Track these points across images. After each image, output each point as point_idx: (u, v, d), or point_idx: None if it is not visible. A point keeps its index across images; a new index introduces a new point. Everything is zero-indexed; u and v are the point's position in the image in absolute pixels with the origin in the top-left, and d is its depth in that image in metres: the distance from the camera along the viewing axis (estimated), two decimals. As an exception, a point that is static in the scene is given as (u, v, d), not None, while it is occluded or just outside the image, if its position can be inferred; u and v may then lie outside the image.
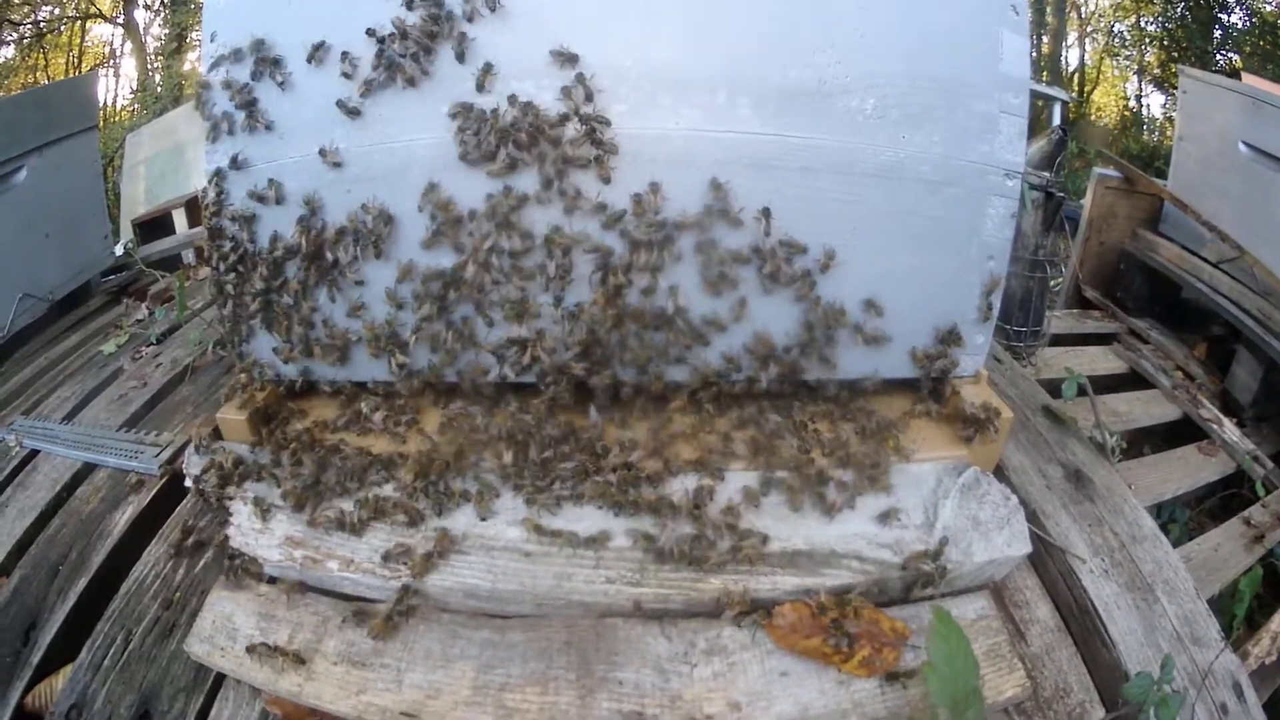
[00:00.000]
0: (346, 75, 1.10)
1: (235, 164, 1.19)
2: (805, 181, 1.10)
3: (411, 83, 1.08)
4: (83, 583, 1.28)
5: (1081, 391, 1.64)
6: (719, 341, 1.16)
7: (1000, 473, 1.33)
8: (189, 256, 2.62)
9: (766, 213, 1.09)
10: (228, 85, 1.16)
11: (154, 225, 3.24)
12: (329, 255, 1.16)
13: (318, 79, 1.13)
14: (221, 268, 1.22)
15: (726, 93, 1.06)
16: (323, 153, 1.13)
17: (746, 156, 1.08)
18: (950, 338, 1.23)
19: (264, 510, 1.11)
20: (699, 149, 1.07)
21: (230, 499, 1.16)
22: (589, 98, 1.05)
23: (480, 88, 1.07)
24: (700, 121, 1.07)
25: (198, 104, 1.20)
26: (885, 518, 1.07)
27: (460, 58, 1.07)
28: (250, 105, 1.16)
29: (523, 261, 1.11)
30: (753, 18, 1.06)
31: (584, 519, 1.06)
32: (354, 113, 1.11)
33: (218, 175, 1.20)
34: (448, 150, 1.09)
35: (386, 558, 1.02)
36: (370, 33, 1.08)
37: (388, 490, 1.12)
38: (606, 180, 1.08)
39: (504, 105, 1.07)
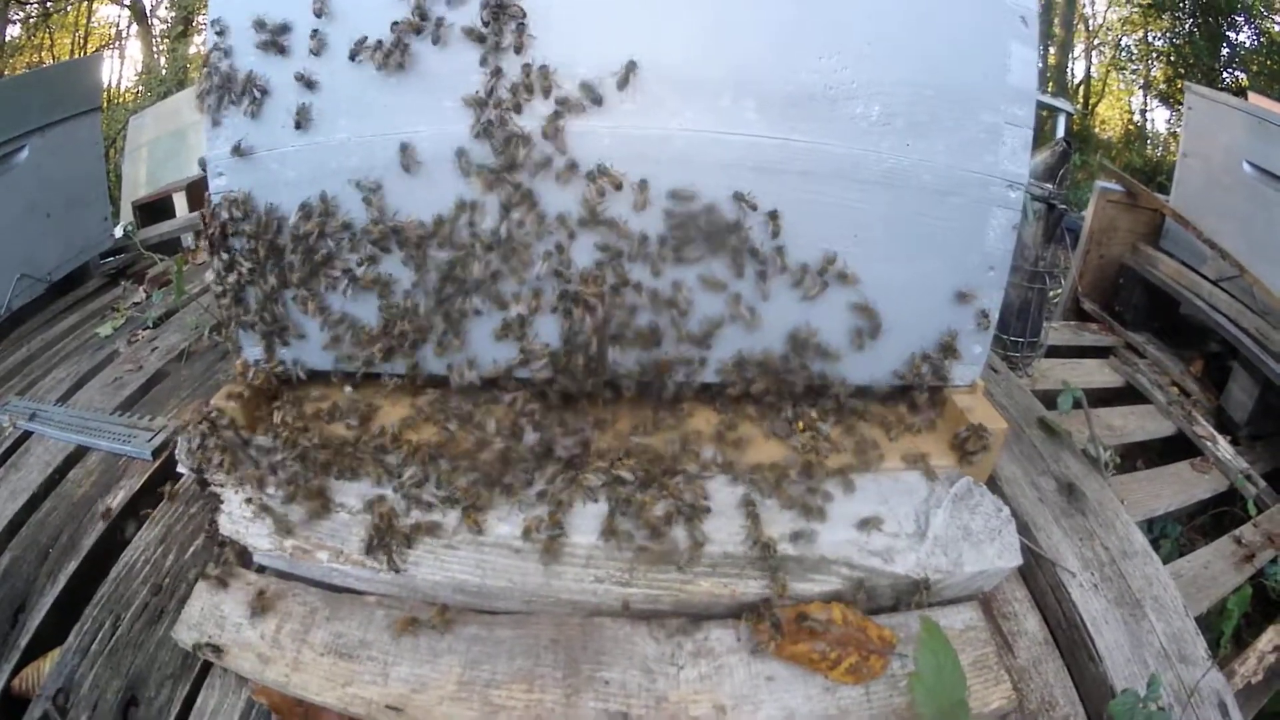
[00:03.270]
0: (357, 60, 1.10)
1: (237, 151, 1.18)
2: (809, 186, 1.10)
3: (401, 68, 1.08)
4: (73, 566, 1.27)
5: (1077, 405, 1.64)
6: (714, 342, 1.16)
7: (993, 483, 1.33)
8: (188, 240, 2.61)
9: (774, 215, 1.10)
10: (231, 71, 1.16)
11: (154, 208, 3.23)
12: (327, 245, 1.16)
13: (323, 66, 1.12)
14: (220, 255, 1.21)
15: (732, 95, 1.06)
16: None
17: (751, 159, 1.08)
18: (947, 347, 1.23)
19: (255, 498, 1.11)
20: (703, 151, 1.07)
21: (221, 486, 1.16)
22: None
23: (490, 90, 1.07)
24: (705, 123, 1.07)
25: (200, 92, 1.19)
26: (874, 524, 1.07)
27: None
28: (253, 92, 1.15)
29: (521, 256, 1.11)
30: (761, 22, 1.06)
31: (573, 518, 1.05)
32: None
33: (218, 162, 1.19)
34: (449, 141, 1.09)
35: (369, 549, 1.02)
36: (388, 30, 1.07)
37: (379, 484, 1.12)
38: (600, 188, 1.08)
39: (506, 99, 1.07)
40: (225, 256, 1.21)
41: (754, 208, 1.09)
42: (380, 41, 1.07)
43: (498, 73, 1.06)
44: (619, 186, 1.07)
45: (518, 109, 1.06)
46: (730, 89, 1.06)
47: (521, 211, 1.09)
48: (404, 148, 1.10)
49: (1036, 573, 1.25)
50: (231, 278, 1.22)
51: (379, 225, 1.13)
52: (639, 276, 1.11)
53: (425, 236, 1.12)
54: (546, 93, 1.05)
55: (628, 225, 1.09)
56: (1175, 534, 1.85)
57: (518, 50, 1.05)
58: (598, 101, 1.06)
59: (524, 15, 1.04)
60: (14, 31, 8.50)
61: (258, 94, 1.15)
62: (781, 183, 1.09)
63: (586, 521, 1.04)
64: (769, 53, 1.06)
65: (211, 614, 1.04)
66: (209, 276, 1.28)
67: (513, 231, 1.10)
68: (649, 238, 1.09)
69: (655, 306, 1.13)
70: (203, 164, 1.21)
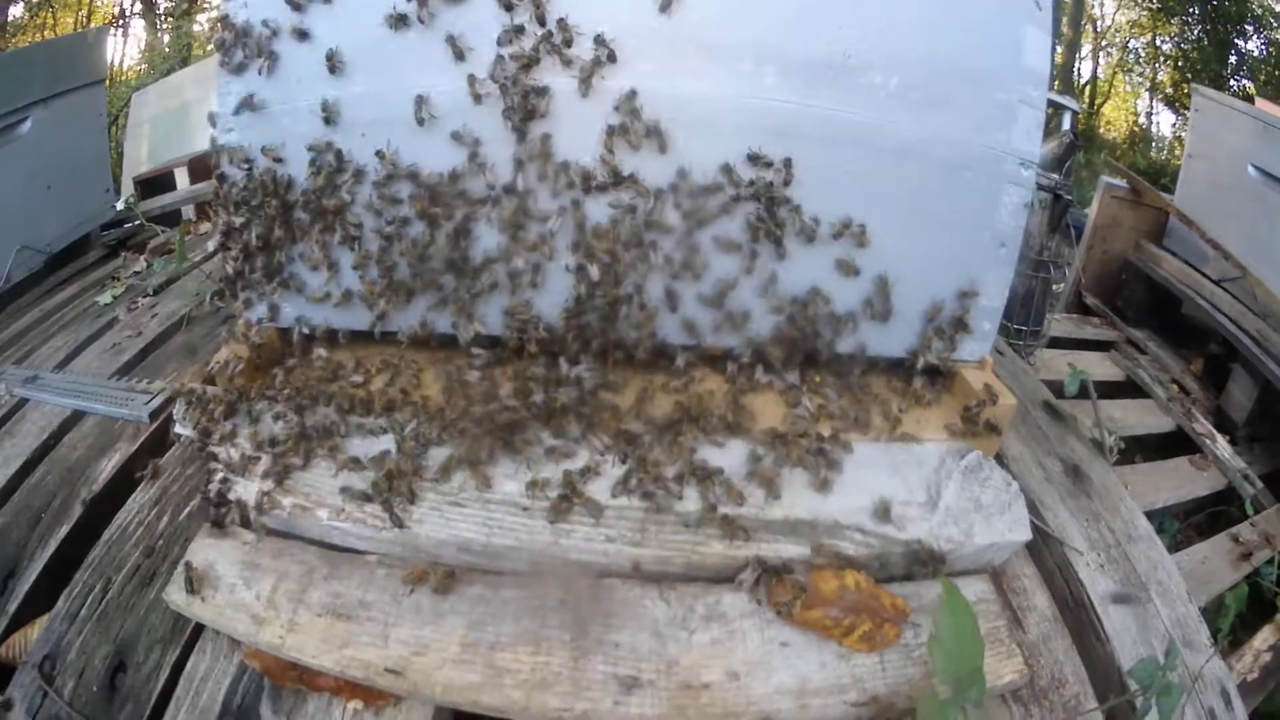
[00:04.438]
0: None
1: (250, 105, 1.16)
2: (826, 152, 1.10)
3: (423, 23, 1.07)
4: (64, 530, 1.24)
5: (1083, 389, 1.64)
6: (728, 306, 1.16)
7: (1000, 462, 1.32)
8: (189, 213, 2.58)
9: (788, 163, 1.09)
10: (247, 25, 1.14)
11: (155, 184, 3.20)
12: (339, 198, 1.14)
13: (338, 20, 1.11)
14: (229, 210, 1.20)
15: (753, 59, 1.06)
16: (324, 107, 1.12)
17: (769, 124, 1.08)
18: (958, 321, 1.22)
19: (254, 457, 1.08)
20: (723, 114, 1.07)
21: (220, 445, 1.13)
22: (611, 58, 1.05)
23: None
24: (725, 86, 1.06)
25: (215, 44, 1.18)
26: (885, 504, 1.05)
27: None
28: (268, 46, 1.14)
29: (535, 211, 1.10)
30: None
31: (584, 477, 1.03)
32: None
33: (230, 117, 1.18)
34: (466, 96, 1.08)
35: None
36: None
37: (383, 441, 1.10)
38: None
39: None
40: (233, 210, 1.20)
41: (770, 164, 1.09)
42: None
43: (519, 27, 1.05)
44: (648, 134, 1.05)
45: (536, 62, 1.06)
46: (751, 52, 1.06)
47: (537, 165, 1.07)
48: (420, 101, 1.08)
49: (1044, 551, 1.25)
50: (238, 233, 1.21)
51: (393, 177, 1.12)
52: (654, 235, 1.10)
53: (439, 189, 1.11)
54: (568, 45, 1.04)
55: (644, 183, 1.08)
56: (1173, 530, 1.85)
57: (538, 5, 1.05)
58: (613, 58, 1.05)
59: None
60: (17, 11, 8.45)
61: (273, 47, 1.13)
62: (800, 148, 1.09)
63: (598, 480, 1.02)
64: (791, 17, 1.06)
65: (205, 573, 1.01)
66: (213, 238, 1.26)
67: (528, 185, 1.08)
68: (665, 192, 1.08)
69: (670, 267, 1.12)
70: (212, 118, 1.19)
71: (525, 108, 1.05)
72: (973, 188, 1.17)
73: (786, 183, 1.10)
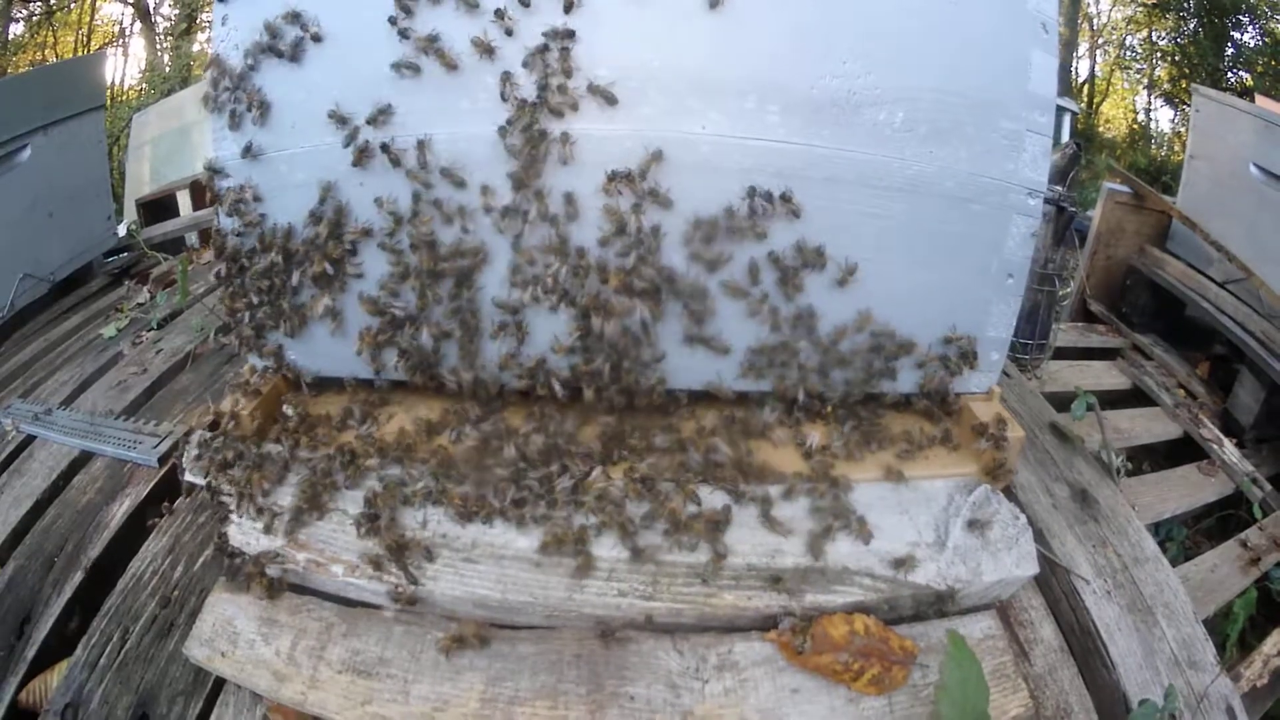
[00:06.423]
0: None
1: (246, 153, 1.16)
2: (831, 193, 1.09)
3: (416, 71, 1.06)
4: (78, 577, 1.25)
5: (1090, 409, 1.63)
6: (734, 349, 1.15)
7: (1008, 490, 1.32)
8: (192, 239, 2.57)
9: (785, 197, 1.08)
10: (239, 73, 1.13)
11: (158, 206, 3.20)
12: (341, 250, 1.14)
13: (333, 67, 1.10)
14: (229, 259, 1.19)
15: (756, 99, 1.05)
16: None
17: (773, 165, 1.07)
18: (966, 355, 1.22)
19: (264, 508, 1.09)
20: (726, 156, 1.06)
21: (230, 495, 1.14)
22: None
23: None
24: (728, 127, 1.05)
25: (206, 93, 1.17)
26: (899, 558, 1.04)
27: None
28: (262, 94, 1.13)
29: (537, 257, 1.10)
30: (786, 24, 1.04)
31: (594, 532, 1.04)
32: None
33: (226, 164, 1.17)
34: (465, 143, 1.07)
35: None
36: (393, 20, 1.05)
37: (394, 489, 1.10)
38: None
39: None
40: (234, 262, 1.19)
41: (769, 200, 1.08)
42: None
43: (528, 66, 1.04)
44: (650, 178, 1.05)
45: (548, 97, 1.05)
46: (754, 92, 1.04)
47: (538, 212, 1.07)
48: (420, 144, 1.07)
49: (1051, 580, 1.25)
50: (240, 283, 1.20)
51: (397, 227, 1.11)
52: (658, 282, 1.09)
53: (439, 240, 1.10)
54: (565, 90, 1.04)
55: (647, 228, 1.07)
56: (1181, 537, 1.85)
57: (542, 51, 1.03)
58: (612, 101, 1.04)
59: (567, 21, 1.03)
60: (17, 29, 8.43)
61: (266, 96, 1.12)
62: (805, 189, 1.08)
63: (608, 535, 1.02)
64: (793, 55, 1.05)
65: (224, 629, 1.03)
66: (216, 272, 1.25)
67: (531, 233, 1.08)
68: (668, 237, 1.08)
69: (675, 313, 1.11)
70: (209, 166, 1.18)
71: (527, 154, 1.04)
72: (980, 220, 1.16)
73: (791, 223, 1.09)
